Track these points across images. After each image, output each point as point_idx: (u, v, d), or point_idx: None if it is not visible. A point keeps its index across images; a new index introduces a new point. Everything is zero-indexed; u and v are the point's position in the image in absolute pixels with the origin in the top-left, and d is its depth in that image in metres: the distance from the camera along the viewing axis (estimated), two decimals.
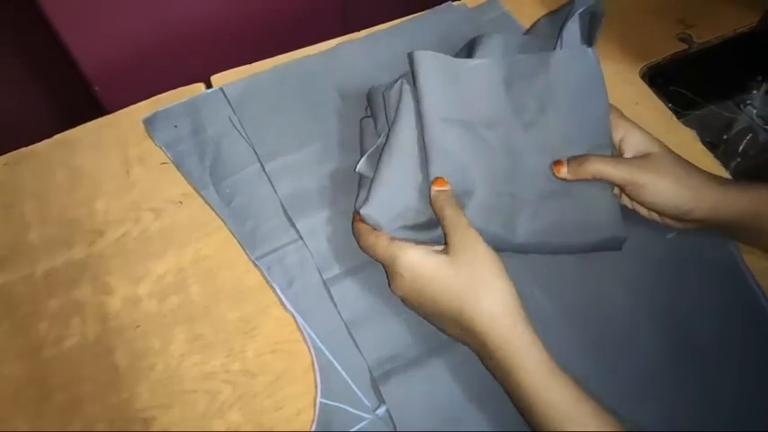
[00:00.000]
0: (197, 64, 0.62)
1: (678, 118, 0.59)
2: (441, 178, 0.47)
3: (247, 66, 0.61)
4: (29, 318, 0.48)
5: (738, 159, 0.62)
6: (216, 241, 0.51)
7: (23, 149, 0.56)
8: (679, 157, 0.47)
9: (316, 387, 0.45)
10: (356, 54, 0.62)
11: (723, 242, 0.50)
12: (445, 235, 0.44)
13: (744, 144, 0.61)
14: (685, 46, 0.63)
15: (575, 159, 0.48)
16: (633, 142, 0.48)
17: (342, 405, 0.44)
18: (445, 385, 0.45)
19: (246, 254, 0.51)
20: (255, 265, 0.50)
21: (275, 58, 0.62)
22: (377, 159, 0.49)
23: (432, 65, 0.49)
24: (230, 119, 0.57)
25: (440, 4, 0.67)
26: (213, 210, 0.53)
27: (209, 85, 0.60)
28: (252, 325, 0.48)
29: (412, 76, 0.50)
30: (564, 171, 0.48)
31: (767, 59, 0.57)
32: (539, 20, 0.57)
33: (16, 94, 0.79)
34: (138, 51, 0.70)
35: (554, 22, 0.55)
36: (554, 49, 0.52)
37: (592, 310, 0.48)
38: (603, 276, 0.49)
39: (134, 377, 0.46)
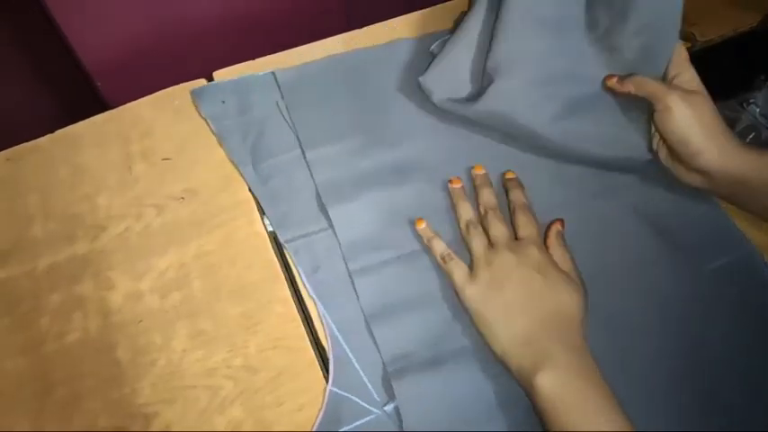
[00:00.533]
0: (199, 60, 0.62)
1: None
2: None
3: (249, 62, 0.61)
4: (31, 313, 0.48)
5: None
6: (218, 237, 0.52)
7: (26, 144, 0.56)
8: (714, 108, 0.48)
9: (327, 374, 0.45)
10: (409, 51, 0.62)
11: (760, 278, 0.50)
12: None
13: (748, 142, 0.61)
14: (688, 44, 0.63)
15: (623, 75, 0.52)
16: (684, 80, 0.50)
17: (351, 396, 0.44)
18: (458, 389, 0.45)
19: (274, 236, 0.51)
20: (284, 248, 0.51)
21: (276, 54, 0.62)
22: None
23: None
24: (277, 103, 0.58)
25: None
26: (249, 188, 0.54)
27: (211, 81, 0.60)
28: (254, 321, 0.48)
29: None
30: (612, 81, 0.52)
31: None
32: None
33: (19, 89, 0.79)
34: (139, 47, 0.70)
35: None
36: None
37: (619, 332, 0.47)
38: (634, 300, 0.49)
39: (136, 372, 0.46)
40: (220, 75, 0.60)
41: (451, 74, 0.56)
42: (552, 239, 0.49)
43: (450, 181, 0.53)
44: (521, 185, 0.53)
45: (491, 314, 0.44)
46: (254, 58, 0.62)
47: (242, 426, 0.44)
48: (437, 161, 0.55)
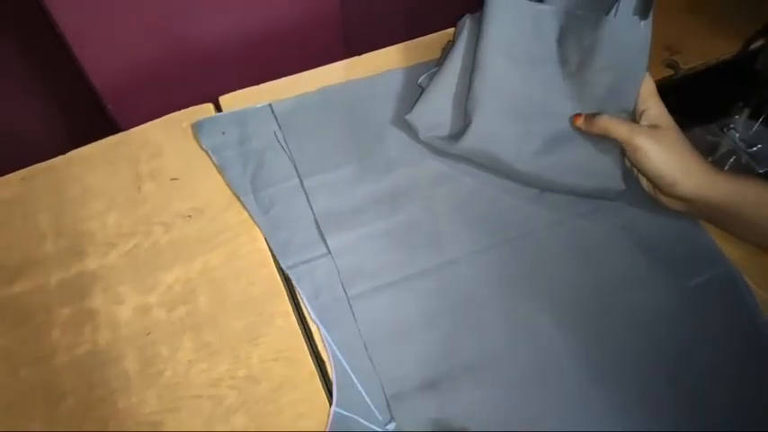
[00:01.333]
0: (205, 83, 0.65)
1: None
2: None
3: (253, 87, 0.64)
4: (43, 325, 0.50)
5: None
6: (223, 254, 0.54)
7: (39, 165, 0.59)
8: (683, 137, 0.51)
9: (327, 386, 0.47)
10: (399, 82, 0.65)
11: (742, 295, 0.52)
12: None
13: (728, 166, 0.64)
14: (672, 72, 0.66)
15: (590, 114, 0.54)
16: (651, 115, 0.52)
17: (354, 416, 0.46)
18: (454, 409, 0.46)
19: (277, 263, 0.54)
20: (285, 274, 0.53)
21: (279, 80, 0.65)
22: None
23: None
24: (275, 134, 0.61)
25: (441, 29, 0.70)
26: (251, 217, 0.56)
27: (217, 105, 0.63)
28: (256, 333, 0.50)
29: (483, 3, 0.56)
30: (580, 121, 0.54)
31: (748, 86, 0.60)
32: None
33: (32, 111, 0.82)
34: (149, 70, 0.73)
35: None
36: (609, 13, 0.54)
37: (598, 346, 0.49)
38: (615, 316, 0.51)
39: (143, 383, 0.48)
40: (226, 99, 0.63)
41: (435, 111, 0.59)
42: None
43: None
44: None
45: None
46: (258, 82, 0.65)
47: None
48: (429, 187, 0.58)
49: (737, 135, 0.64)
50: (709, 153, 0.65)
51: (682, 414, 0.47)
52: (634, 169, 0.55)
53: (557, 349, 0.49)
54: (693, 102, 0.66)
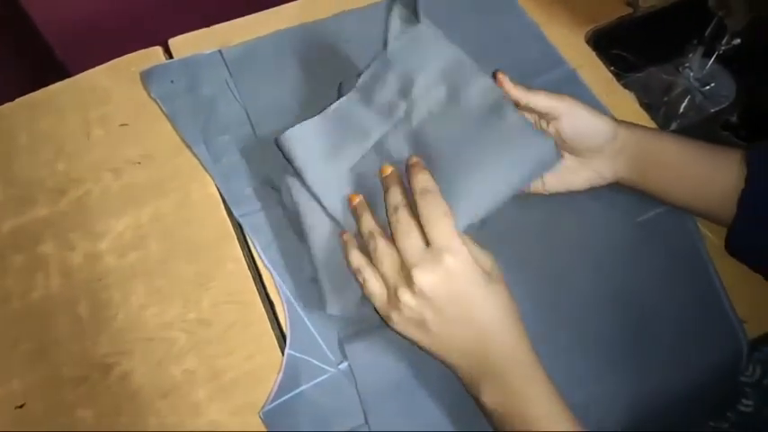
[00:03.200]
0: (156, 28, 0.64)
1: (620, 80, 0.62)
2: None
3: (204, 29, 0.63)
4: None
5: (678, 120, 0.65)
6: (173, 200, 0.54)
7: None
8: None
9: (285, 339, 0.48)
10: (355, 24, 0.63)
11: (686, 229, 0.53)
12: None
13: (683, 106, 0.64)
14: (631, 10, 0.65)
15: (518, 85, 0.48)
16: (539, 100, 0.48)
17: (308, 357, 0.47)
18: (404, 345, 0.47)
19: (228, 208, 0.53)
20: (238, 223, 0.53)
21: (231, 22, 0.64)
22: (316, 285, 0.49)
23: (300, 139, 0.50)
24: (226, 81, 0.59)
25: None
26: (203, 166, 0.55)
27: (166, 49, 0.62)
28: (207, 278, 0.51)
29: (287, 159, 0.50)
30: (507, 82, 0.48)
31: (704, 24, 0.60)
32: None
33: None
34: (97, 15, 0.71)
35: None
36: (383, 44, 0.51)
37: (553, 288, 0.50)
38: (567, 256, 0.52)
39: (96, 327, 0.49)
40: (176, 42, 0.62)
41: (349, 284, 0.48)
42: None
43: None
44: (425, 169, 0.46)
45: (424, 339, 0.43)
46: (210, 24, 0.64)
47: (196, 373, 0.47)
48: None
49: (692, 74, 0.63)
50: (665, 93, 0.65)
51: (626, 342, 0.48)
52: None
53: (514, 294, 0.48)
54: (651, 40, 0.65)
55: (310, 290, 0.50)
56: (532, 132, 0.46)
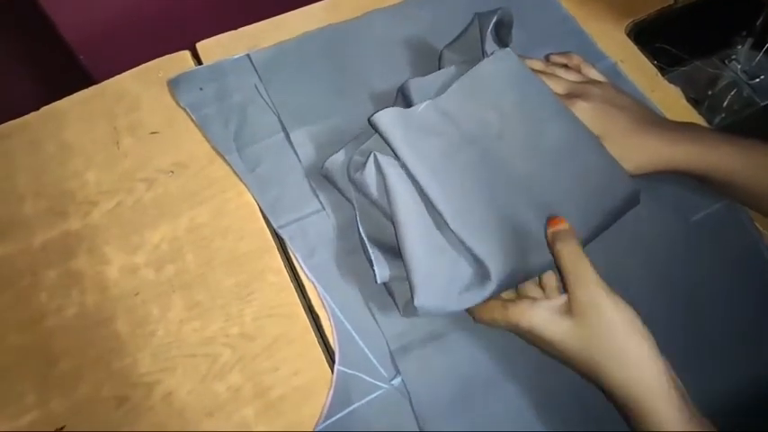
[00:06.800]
0: (182, 29, 0.62)
1: (663, 74, 0.60)
2: (554, 217, 0.44)
3: (232, 32, 0.61)
4: (29, 289, 0.49)
5: (723, 115, 0.62)
6: (208, 209, 0.52)
7: (13, 122, 0.56)
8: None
9: (330, 352, 0.46)
10: (383, 24, 0.61)
11: (742, 226, 0.51)
12: (565, 283, 0.42)
13: (728, 99, 0.62)
14: (671, 1, 0.63)
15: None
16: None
17: (359, 373, 0.45)
18: (459, 359, 0.46)
19: (269, 222, 0.52)
20: (277, 234, 0.51)
21: (259, 24, 0.62)
22: (390, 256, 0.46)
23: (394, 123, 0.47)
24: (256, 86, 0.58)
25: None
26: (237, 175, 0.53)
27: (194, 53, 0.60)
28: (248, 290, 0.49)
29: (384, 140, 0.48)
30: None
31: (751, 14, 0.57)
32: (441, 52, 0.56)
33: (3, 67, 0.78)
34: (121, 18, 0.69)
35: (458, 48, 0.55)
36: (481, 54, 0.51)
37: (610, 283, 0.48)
38: (623, 260, 0.50)
39: (135, 343, 0.47)
40: (203, 46, 0.60)
41: (440, 274, 0.44)
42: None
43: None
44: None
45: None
46: (238, 26, 0.62)
47: (241, 390, 0.45)
48: None
49: (739, 66, 0.61)
50: (710, 86, 0.62)
51: (687, 347, 0.47)
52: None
53: None
54: (693, 33, 0.63)
55: (357, 304, 0.48)
56: (616, 174, 0.47)
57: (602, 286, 0.40)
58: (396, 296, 0.47)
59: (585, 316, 0.40)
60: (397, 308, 0.47)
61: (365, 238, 0.46)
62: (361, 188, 0.48)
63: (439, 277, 0.44)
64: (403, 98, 0.53)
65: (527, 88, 0.50)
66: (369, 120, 0.48)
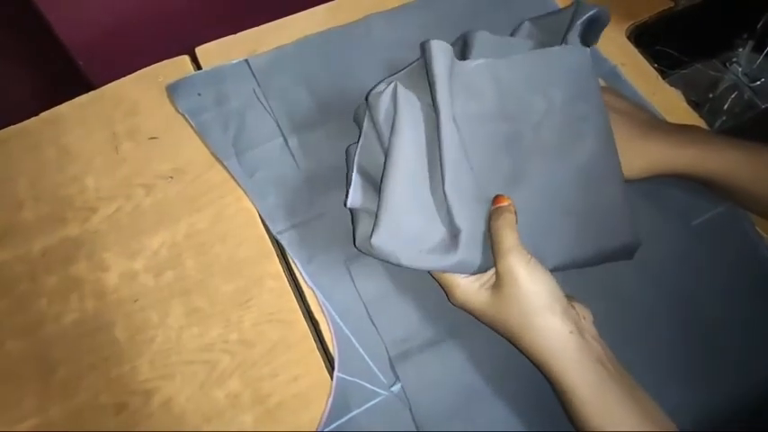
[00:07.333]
0: (180, 34, 0.62)
1: (664, 77, 0.59)
2: (501, 195, 0.45)
3: (231, 37, 0.61)
4: (28, 295, 0.49)
5: (724, 117, 0.62)
6: (207, 215, 0.52)
7: (12, 127, 0.56)
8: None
9: (329, 358, 0.46)
10: (383, 27, 0.61)
11: (743, 231, 0.51)
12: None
13: (729, 102, 0.62)
14: (672, 4, 0.63)
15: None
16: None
17: (358, 380, 0.45)
18: (459, 366, 0.46)
19: (268, 228, 0.51)
20: (276, 240, 0.51)
21: (258, 28, 0.62)
22: (370, 189, 0.46)
23: (445, 58, 0.46)
24: (254, 91, 0.57)
25: None
26: (236, 181, 0.53)
27: (193, 57, 0.60)
28: (247, 296, 0.49)
29: (426, 65, 0.46)
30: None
31: (752, 17, 0.57)
32: (522, 23, 0.55)
33: (1, 72, 0.78)
34: (120, 23, 0.69)
35: (543, 24, 0.54)
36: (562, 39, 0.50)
37: (613, 302, 0.48)
38: (625, 267, 0.49)
39: (134, 350, 0.47)
40: (202, 50, 0.60)
41: (410, 222, 0.44)
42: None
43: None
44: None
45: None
46: (236, 31, 0.61)
47: (240, 397, 0.45)
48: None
49: (740, 69, 0.61)
50: (711, 89, 0.62)
51: (696, 351, 0.47)
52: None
53: None
54: (694, 36, 0.63)
55: (356, 310, 0.48)
56: (625, 219, 0.46)
57: (522, 257, 0.41)
58: (358, 227, 0.46)
59: (502, 285, 0.41)
60: (353, 237, 0.46)
61: (355, 163, 0.46)
62: (370, 109, 0.47)
63: (408, 227, 0.43)
64: (463, 44, 0.51)
65: (585, 95, 0.49)
66: (421, 44, 0.47)
